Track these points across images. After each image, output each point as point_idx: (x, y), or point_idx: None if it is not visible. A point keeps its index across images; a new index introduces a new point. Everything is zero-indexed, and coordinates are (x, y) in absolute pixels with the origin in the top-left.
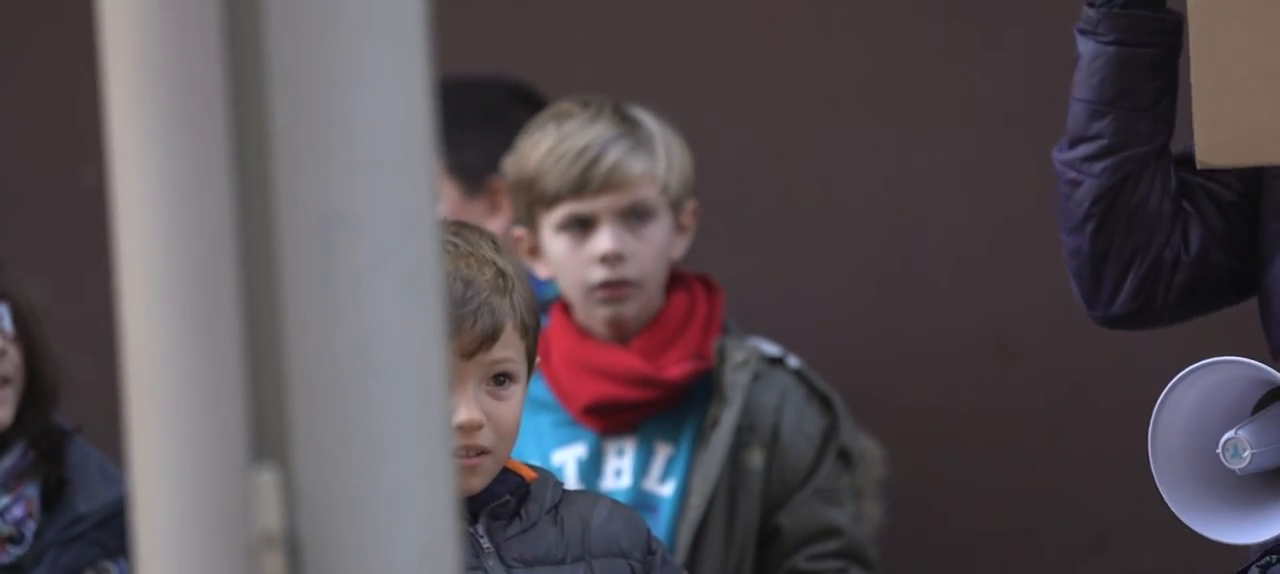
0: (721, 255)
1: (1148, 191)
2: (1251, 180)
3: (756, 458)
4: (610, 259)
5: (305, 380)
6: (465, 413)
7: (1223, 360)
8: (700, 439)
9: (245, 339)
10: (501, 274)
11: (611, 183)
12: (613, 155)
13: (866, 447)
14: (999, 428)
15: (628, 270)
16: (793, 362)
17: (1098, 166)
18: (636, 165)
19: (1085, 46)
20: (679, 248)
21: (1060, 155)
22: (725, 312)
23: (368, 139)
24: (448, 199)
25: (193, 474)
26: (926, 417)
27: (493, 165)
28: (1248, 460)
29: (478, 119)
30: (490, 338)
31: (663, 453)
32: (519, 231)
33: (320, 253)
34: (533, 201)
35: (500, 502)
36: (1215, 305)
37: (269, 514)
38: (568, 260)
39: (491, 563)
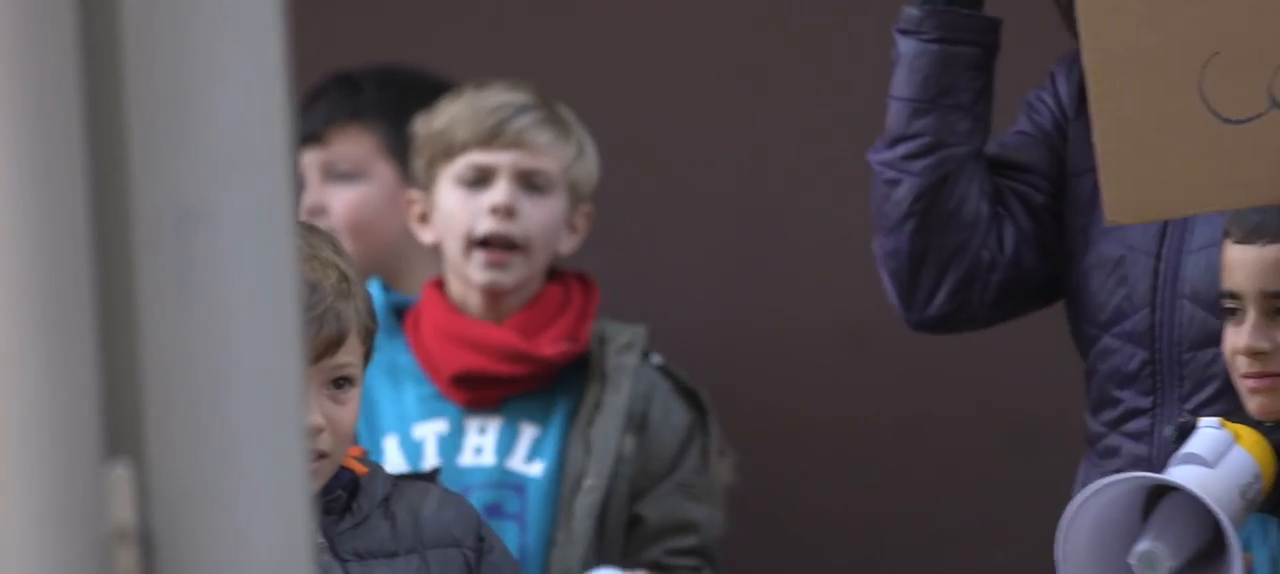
0: (579, 249)
1: (966, 192)
2: (1057, 181)
3: (629, 444)
4: (501, 211)
5: (160, 376)
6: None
7: (1123, 478)
8: (574, 420)
9: (99, 334)
10: (345, 277)
11: (518, 142)
12: (526, 118)
13: (722, 450)
14: (853, 422)
15: (515, 228)
16: (656, 358)
17: (918, 165)
18: (543, 136)
19: (907, 45)
20: (567, 244)
21: (877, 156)
22: (599, 306)
23: (224, 134)
24: (384, 180)
25: (47, 469)
26: (781, 410)
27: None
28: (1165, 572)
29: (414, 98)
30: (335, 343)
31: (528, 433)
32: (413, 194)
33: (176, 248)
34: (436, 155)
35: (332, 497)
36: (1027, 308)
37: (123, 510)
38: (459, 210)
39: (326, 559)
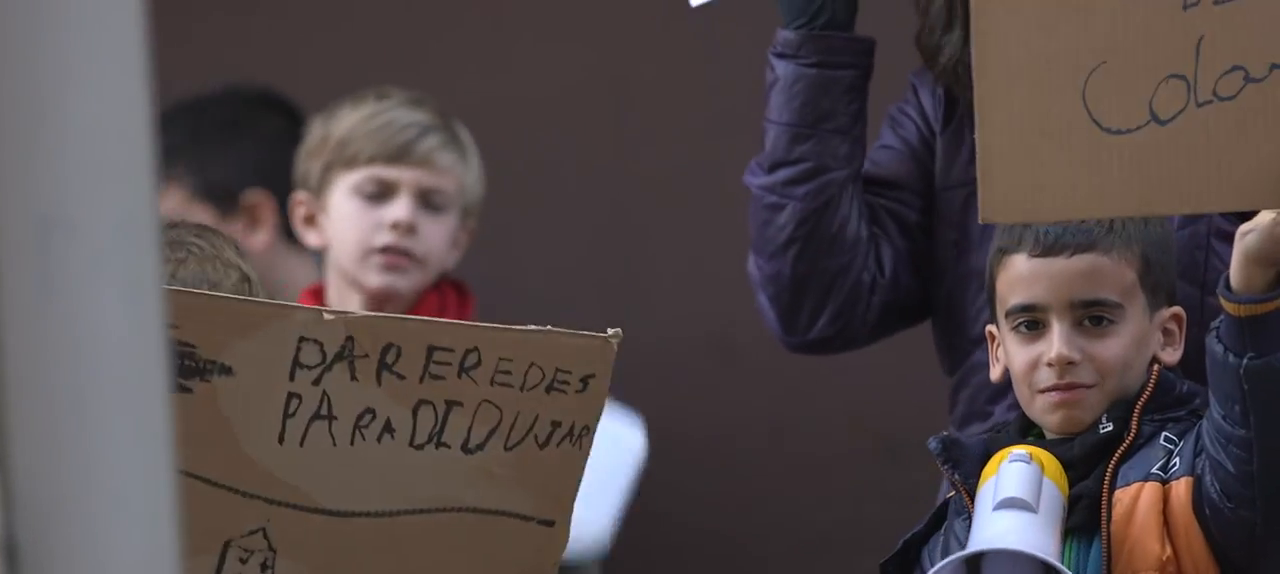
0: (462, 260)
1: (847, 214)
2: (927, 195)
3: None
4: (402, 228)
5: (22, 385)
6: None
7: (968, 553)
8: None
9: None
10: (246, 279)
11: (423, 162)
12: (431, 139)
13: None
14: (721, 430)
15: (415, 245)
16: None
17: (800, 190)
18: (447, 157)
19: (784, 70)
20: (452, 259)
21: (757, 181)
22: (474, 315)
23: (85, 140)
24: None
25: None
26: (649, 418)
27: (245, 179)
28: None
29: (219, 134)
30: None
31: None
32: (299, 197)
33: (37, 255)
34: (335, 162)
35: None
36: (903, 327)
37: None
38: (356, 219)
39: None
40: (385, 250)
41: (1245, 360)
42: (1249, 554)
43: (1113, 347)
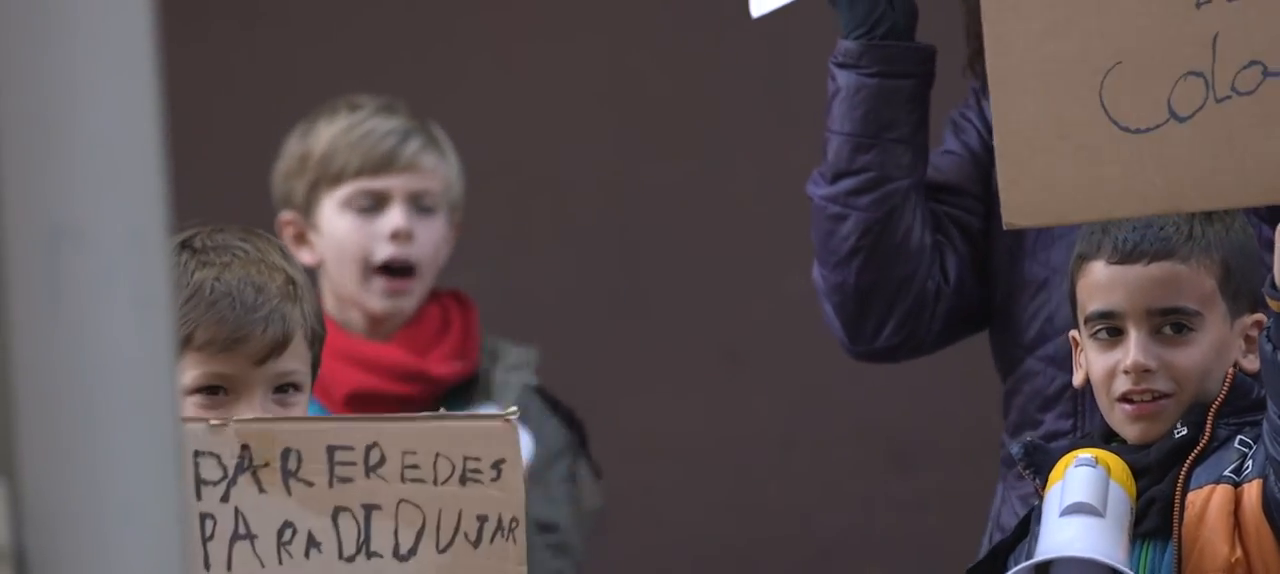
0: (452, 267)
1: (911, 223)
2: (988, 201)
3: None
4: (401, 236)
5: (33, 394)
6: (249, 414)
7: (1030, 564)
8: None
9: None
10: (291, 281)
11: (409, 167)
12: (414, 144)
13: (587, 482)
14: (729, 440)
15: (413, 251)
16: (530, 380)
17: (864, 200)
18: (430, 158)
19: (846, 79)
20: (443, 254)
21: (820, 191)
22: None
23: (96, 150)
24: None
25: None
26: (657, 428)
27: None
28: None
29: None
30: (279, 346)
31: None
32: (287, 216)
33: (48, 265)
34: (318, 180)
35: None
36: (968, 333)
37: None
38: (353, 236)
39: None
40: (386, 270)
41: None
42: None
43: (1191, 355)
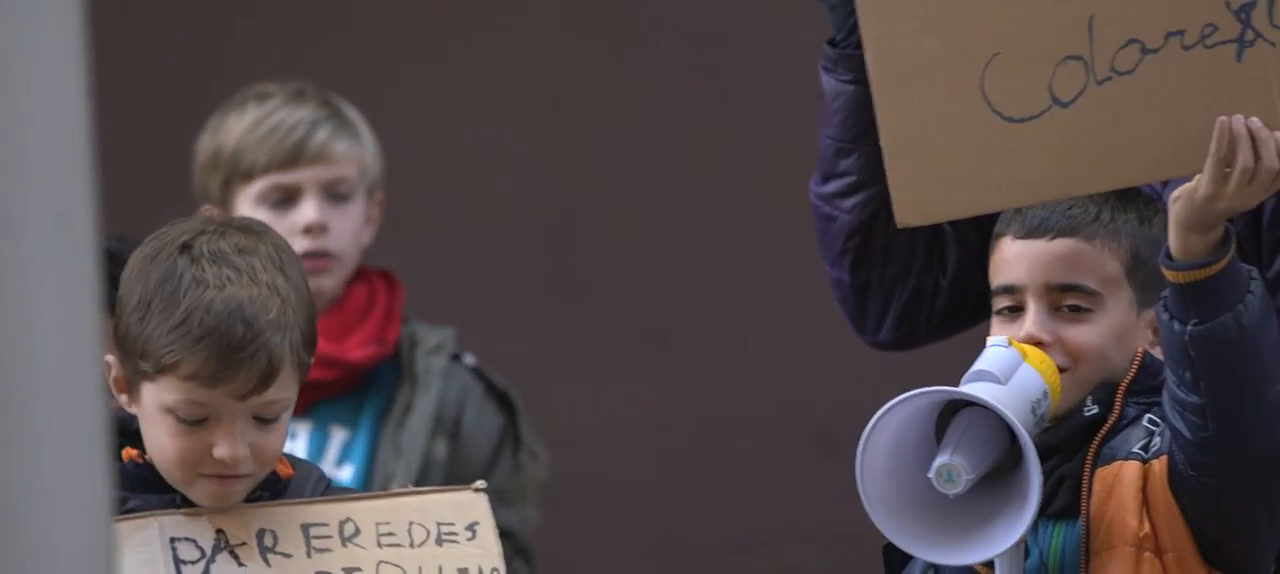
0: (388, 251)
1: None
2: None
3: (441, 448)
4: (315, 230)
5: None
6: (227, 450)
7: (918, 393)
8: (383, 423)
9: None
10: (284, 304)
11: (319, 158)
12: (322, 133)
13: (535, 451)
14: (656, 424)
15: (329, 243)
16: (469, 359)
17: (848, 203)
18: (341, 145)
19: (827, 83)
20: (367, 235)
21: (815, 189)
22: (405, 305)
23: (23, 138)
24: None
25: None
26: (587, 413)
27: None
28: (963, 485)
29: None
30: (264, 382)
31: (339, 436)
32: (209, 209)
33: None
34: (230, 177)
35: (254, 499)
36: (971, 324)
37: None
38: None
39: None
40: (305, 256)
41: (1190, 327)
42: (1219, 524)
43: (1087, 333)
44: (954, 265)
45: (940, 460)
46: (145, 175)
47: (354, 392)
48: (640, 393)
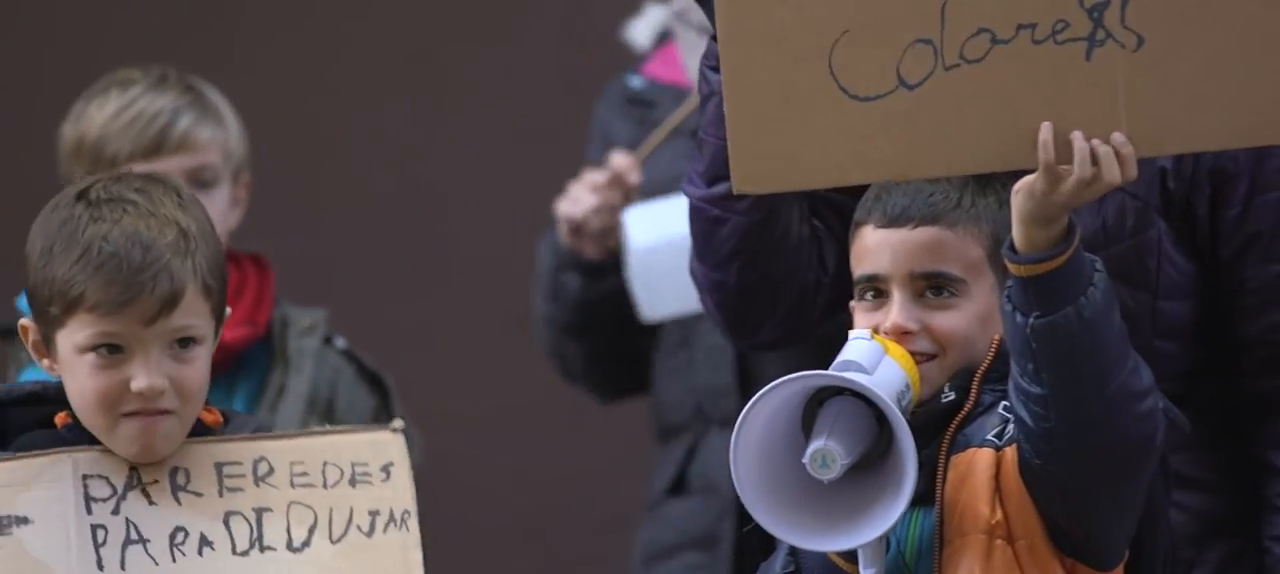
0: (256, 236)
1: (789, 221)
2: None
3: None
4: None
5: None
6: (144, 380)
7: (790, 379)
8: (256, 406)
9: None
10: (184, 234)
11: (182, 146)
12: (185, 121)
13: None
14: (518, 408)
15: None
16: (340, 341)
17: (742, 204)
18: (205, 131)
19: (717, 83)
20: (234, 219)
21: (698, 192)
22: (276, 288)
23: None
24: None
25: None
26: (446, 396)
27: None
28: (838, 470)
29: None
30: (170, 303)
31: (210, 419)
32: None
33: None
34: (93, 166)
35: None
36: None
37: None
38: None
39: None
40: None
41: (1032, 319)
42: (1066, 512)
43: (952, 319)
44: (833, 260)
45: (816, 445)
46: (17, 160)
47: (226, 374)
48: (511, 374)
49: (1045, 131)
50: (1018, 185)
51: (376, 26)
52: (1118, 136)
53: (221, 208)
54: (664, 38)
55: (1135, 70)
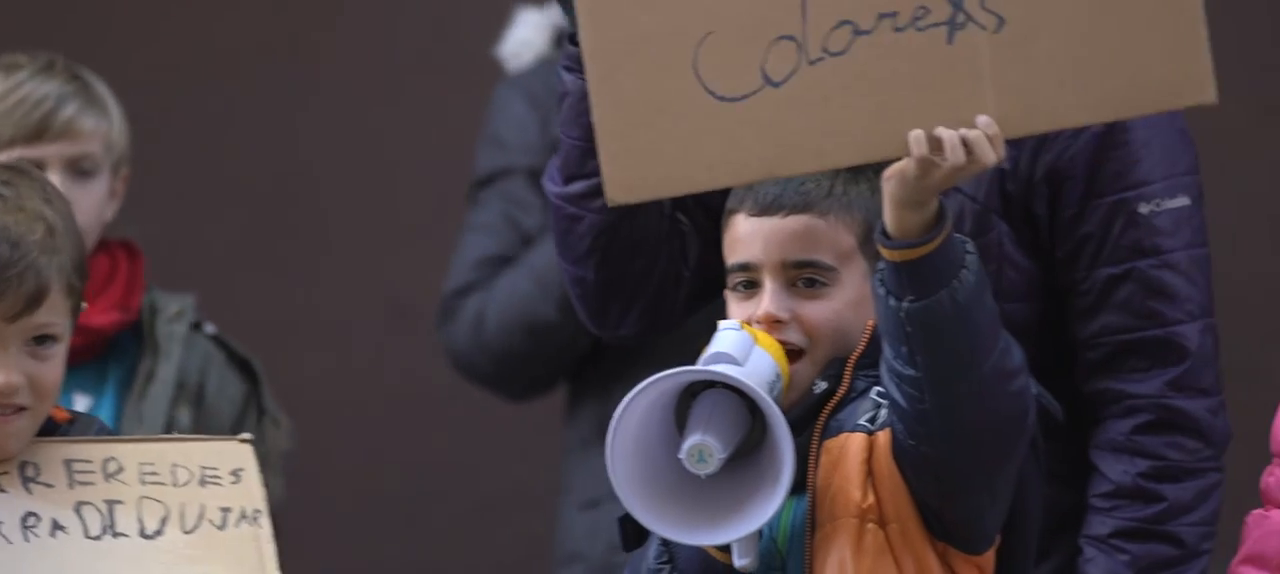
0: (127, 220)
1: (646, 217)
2: None
3: (184, 416)
4: None
5: None
6: (2, 376)
7: (664, 376)
8: (127, 393)
9: None
10: (51, 231)
11: (65, 133)
12: (69, 108)
13: (278, 419)
14: (394, 392)
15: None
16: (209, 327)
17: (597, 203)
18: (88, 121)
19: (571, 83)
20: (110, 210)
21: (556, 189)
22: (146, 274)
23: None
24: None
25: None
26: (323, 381)
27: None
28: (715, 465)
29: None
30: (34, 302)
31: (82, 405)
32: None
33: None
34: None
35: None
36: (710, 304)
37: None
38: None
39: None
40: None
41: (906, 303)
42: (940, 494)
43: (824, 309)
44: (695, 255)
45: (692, 440)
46: None
47: (97, 359)
48: (383, 359)
49: (915, 133)
50: (889, 171)
51: (250, 10)
52: (982, 119)
53: (99, 198)
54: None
55: (998, 51)
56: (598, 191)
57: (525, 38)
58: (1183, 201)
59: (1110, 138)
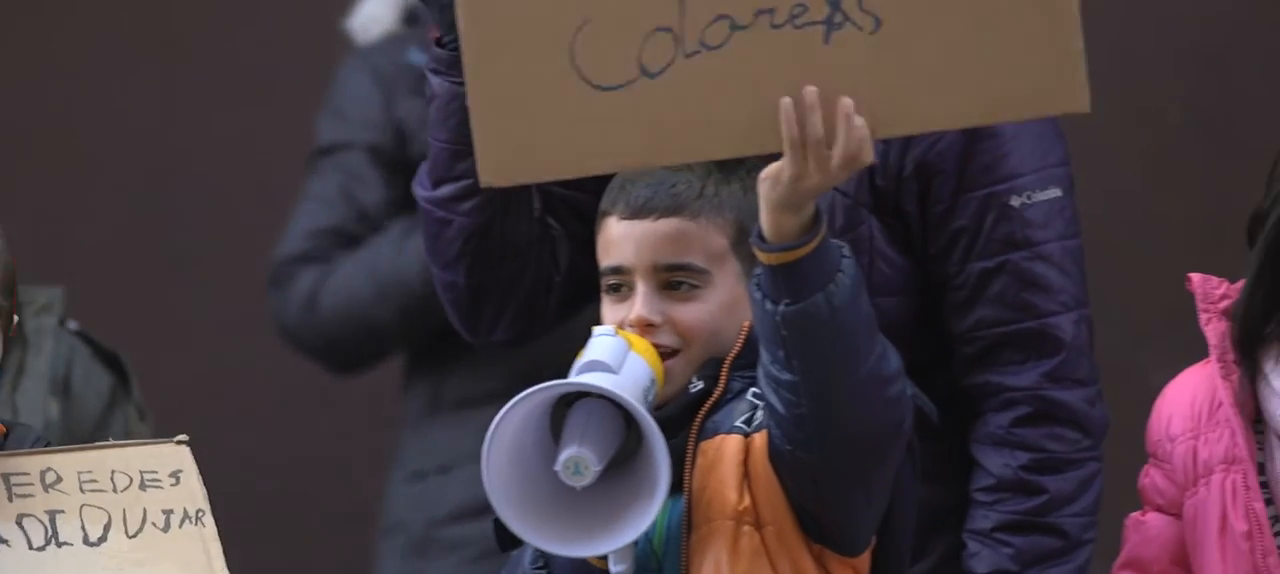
0: None
1: (517, 222)
2: (604, 178)
3: (53, 408)
4: None
5: None
6: None
7: (538, 390)
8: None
9: None
10: None
11: None
12: None
13: (144, 409)
14: (268, 392)
15: None
16: (72, 324)
17: (466, 206)
18: None
19: (439, 87)
20: None
21: (425, 193)
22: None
23: None
24: None
25: None
26: (196, 381)
27: None
28: (592, 477)
29: None
30: None
31: None
32: None
33: None
34: None
35: None
36: (584, 308)
37: None
38: None
39: None
40: None
41: (782, 307)
42: (817, 498)
43: (697, 311)
44: (566, 259)
45: (567, 453)
46: None
47: None
48: (254, 358)
49: (786, 103)
50: (764, 172)
51: (129, 7)
52: (846, 102)
53: None
54: (413, 18)
55: (874, 52)
56: (467, 194)
57: (374, 12)
58: (1054, 193)
59: (979, 131)
